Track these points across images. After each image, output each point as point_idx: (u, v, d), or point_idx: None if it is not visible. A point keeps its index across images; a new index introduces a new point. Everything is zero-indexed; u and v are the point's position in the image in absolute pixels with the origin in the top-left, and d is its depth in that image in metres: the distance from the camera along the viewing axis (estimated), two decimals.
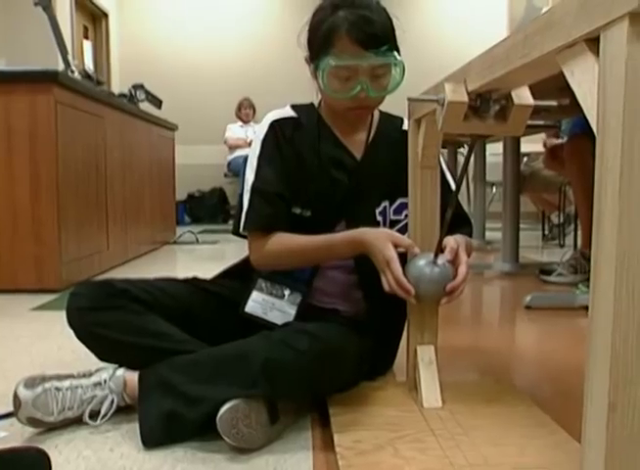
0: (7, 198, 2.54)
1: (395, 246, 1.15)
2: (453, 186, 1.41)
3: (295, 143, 1.33)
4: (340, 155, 1.35)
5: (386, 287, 1.15)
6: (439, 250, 1.15)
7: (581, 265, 2.79)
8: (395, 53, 1.23)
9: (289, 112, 1.37)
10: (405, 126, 1.41)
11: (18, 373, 1.33)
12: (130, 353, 1.22)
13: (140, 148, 3.86)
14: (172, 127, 4.67)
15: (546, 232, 4.73)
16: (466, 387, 1.30)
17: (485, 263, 3.48)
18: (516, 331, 2.11)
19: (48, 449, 0.97)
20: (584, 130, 2.66)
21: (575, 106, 0.63)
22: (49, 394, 1.13)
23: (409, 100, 1.05)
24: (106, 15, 6.46)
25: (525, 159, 4.87)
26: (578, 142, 2.71)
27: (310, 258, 1.30)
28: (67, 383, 1.16)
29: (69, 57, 3.07)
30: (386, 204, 1.35)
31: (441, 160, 1.41)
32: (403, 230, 1.32)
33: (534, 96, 0.95)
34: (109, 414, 1.17)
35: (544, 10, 0.73)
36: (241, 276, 1.38)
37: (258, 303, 1.30)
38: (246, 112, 6.35)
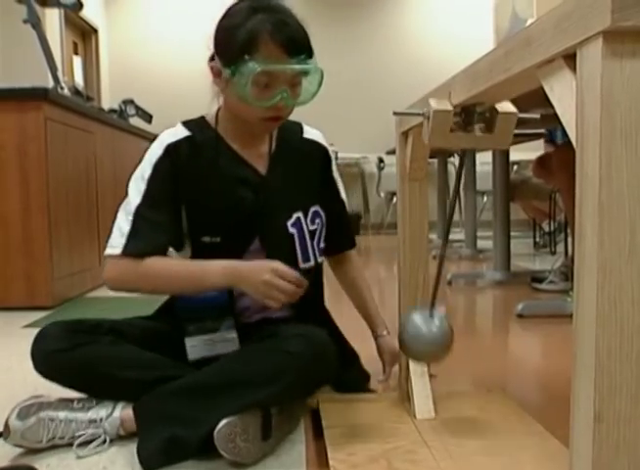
0: None
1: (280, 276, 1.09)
2: (344, 197, 1.43)
3: (192, 166, 1.25)
4: (242, 171, 1.28)
5: (285, 298, 1.09)
6: (434, 301, 1.13)
7: (572, 273, 2.80)
8: (315, 60, 1.18)
9: (182, 131, 1.28)
10: (305, 134, 1.38)
11: (9, 391, 1.32)
12: (114, 387, 1.17)
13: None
14: None
15: (537, 240, 4.74)
16: (458, 397, 1.31)
17: (477, 272, 3.49)
18: (508, 340, 2.12)
19: (40, 468, 0.97)
20: None
21: None
22: (42, 423, 1.10)
23: (395, 114, 1.06)
24: (95, 30, 6.47)
25: (516, 167, 4.90)
26: (568, 150, 2.73)
27: (179, 286, 1.20)
28: (62, 414, 1.12)
29: (59, 73, 3.08)
30: (299, 215, 1.30)
31: (335, 171, 1.41)
32: (320, 239, 1.33)
33: (522, 105, 0.96)
34: (99, 450, 1.13)
35: (529, 22, 0.74)
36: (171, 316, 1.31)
37: (198, 346, 1.24)
38: None
